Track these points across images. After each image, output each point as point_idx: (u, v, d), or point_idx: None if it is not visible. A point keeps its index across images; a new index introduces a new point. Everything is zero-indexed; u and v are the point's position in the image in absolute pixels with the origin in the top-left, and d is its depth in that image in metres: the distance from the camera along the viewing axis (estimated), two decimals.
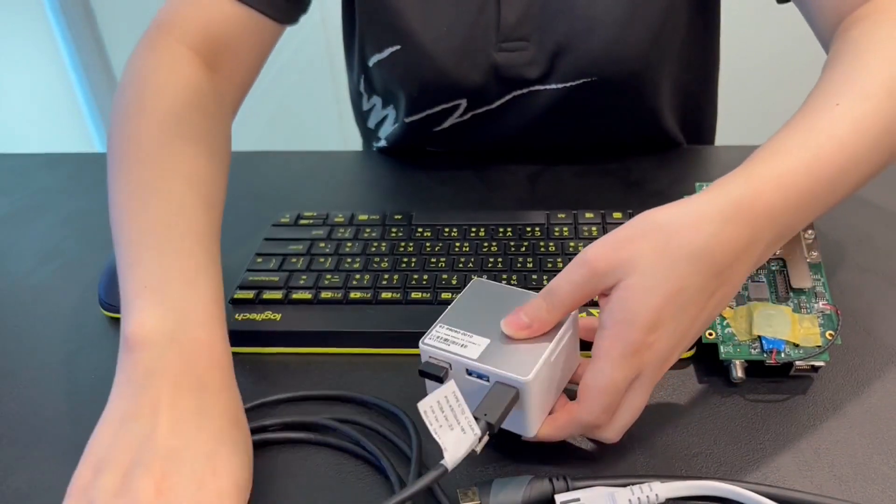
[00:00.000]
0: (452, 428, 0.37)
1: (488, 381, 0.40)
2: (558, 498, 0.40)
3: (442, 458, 0.37)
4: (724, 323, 0.49)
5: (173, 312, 0.43)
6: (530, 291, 0.44)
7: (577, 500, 0.40)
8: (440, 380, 0.41)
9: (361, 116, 0.85)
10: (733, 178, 0.42)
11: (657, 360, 0.40)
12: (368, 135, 0.86)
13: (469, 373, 0.41)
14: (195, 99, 0.55)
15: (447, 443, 0.37)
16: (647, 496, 0.40)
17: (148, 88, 0.55)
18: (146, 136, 0.52)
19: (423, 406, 0.38)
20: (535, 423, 0.42)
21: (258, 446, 0.45)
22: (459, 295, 0.45)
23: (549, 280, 0.55)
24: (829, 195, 0.43)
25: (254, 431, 0.45)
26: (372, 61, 0.72)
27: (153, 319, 0.43)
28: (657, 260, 0.39)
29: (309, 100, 2.01)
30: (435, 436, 0.37)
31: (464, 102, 0.71)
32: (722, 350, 0.48)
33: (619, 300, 0.39)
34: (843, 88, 0.45)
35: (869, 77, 0.45)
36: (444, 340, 0.42)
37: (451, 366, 0.41)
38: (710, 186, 0.42)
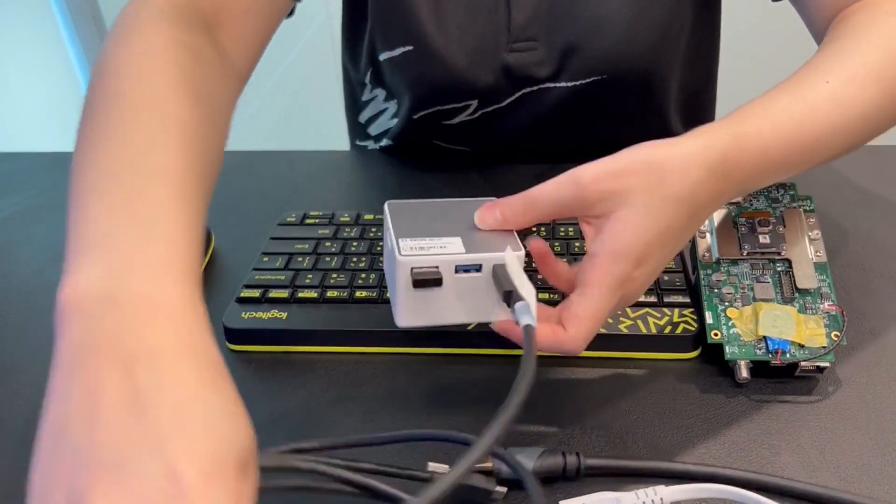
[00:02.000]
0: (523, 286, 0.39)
1: (480, 270, 0.41)
2: None
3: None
4: (730, 323, 0.49)
5: (114, 269, 0.32)
6: (449, 200, 0.45)
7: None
8: (437, 284, 0.41)
9: (354, 108, 0.84)
10: (723, 129, 0.43)
11: (633, 294, 0.42)
12: (357, 129, 0.85)
13: (457, 270, 0.41)
14: (189, 50, 0.46)
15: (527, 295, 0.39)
16: (653, 500, 0.40)
17: (133, 39, 0.45)
18: (124, 76, 0.43)
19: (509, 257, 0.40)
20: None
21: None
22: (390, 218, 0.44)
23: None
24: (796, 166, 0.45)
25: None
26: (382, 57, 0.72)
27: (88, 280, 0.32)
28: (649, 197, 0.40)
29: (315, 100, 2.01)
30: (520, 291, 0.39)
31: (475, 103, 0.72)
32: (727, 350, 0.48)
33: (611, 231, 0.40)
34: (834, 67, 0.46)
35: (860, 60, 0.47)
36: (420, 249, 0.41)
37: (438, 267, 0.41)
38: (699, 130, 0.42)
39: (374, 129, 0.81)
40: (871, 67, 0.46)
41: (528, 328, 0.38)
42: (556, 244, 0.59)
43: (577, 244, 0.59)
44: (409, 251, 0.41)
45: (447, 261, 0.41)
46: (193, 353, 0.31)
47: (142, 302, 0.31)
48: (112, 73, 0.43)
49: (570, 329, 0.40)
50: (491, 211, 0.42)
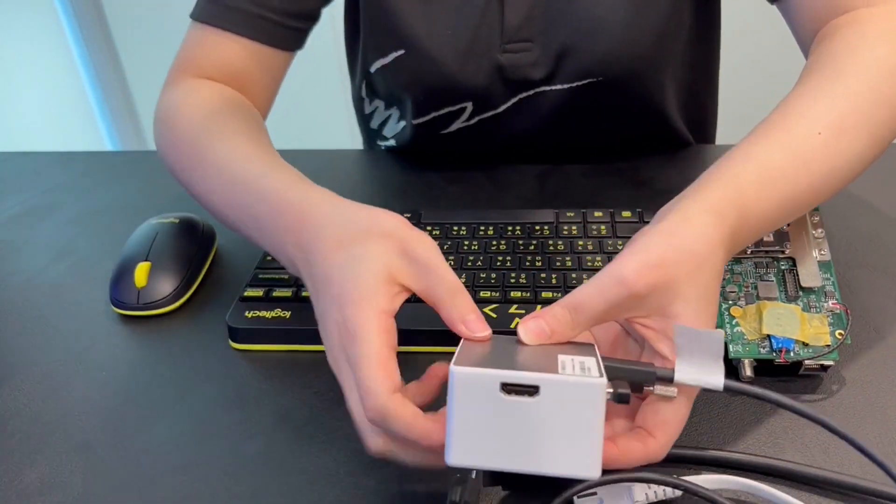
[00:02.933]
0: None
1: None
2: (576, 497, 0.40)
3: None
4: (734, 322, 0.49)
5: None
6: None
7: (595, 493, 0.40)
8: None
9: (364, 119, 0.85)
10: (728, 203, 0.42)
11: None
12: (372, 135, 0.86)
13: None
14: (225, 101, 0.60)
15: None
16: (664, 489, 0.40)
17: (178, 110, 0.60)
18: (185, 139, 0.57)
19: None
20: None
21: None
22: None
23: (557, 279, 0.55)
24: (789, 220, 0.47)
25: None
26: (374, 67, 0.72)
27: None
28: (696, 284, 0.39)
29: (318, 99, 2.01)
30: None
31: (469, 105, 0.72)
32: (731, 349, 0.48)
33: None
34: (823, 115, 0.46)
35: (849, 105, 0.46)
36: (583, 368, 0.36)
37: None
38: (704, 207, 0.41)
39: (388, 132, 0.82)
40: (861, 113, 0.46)
41: None
42: (560, 243, 0.59)
43: (579, 243, 0.59)
44: (592, 372, 0.35)
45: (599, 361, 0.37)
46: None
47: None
48: (174, 137, 0.58)
49: (661, 437, 0.38)
50: (537, 325, 0.39)
